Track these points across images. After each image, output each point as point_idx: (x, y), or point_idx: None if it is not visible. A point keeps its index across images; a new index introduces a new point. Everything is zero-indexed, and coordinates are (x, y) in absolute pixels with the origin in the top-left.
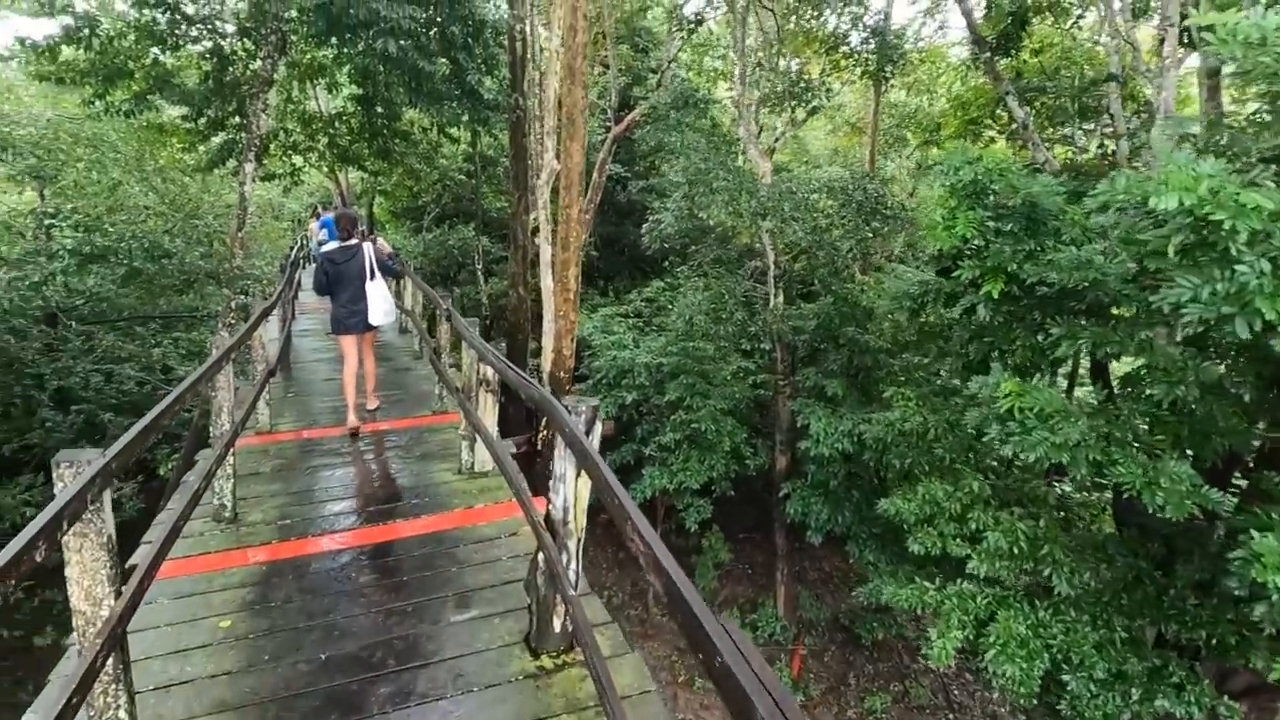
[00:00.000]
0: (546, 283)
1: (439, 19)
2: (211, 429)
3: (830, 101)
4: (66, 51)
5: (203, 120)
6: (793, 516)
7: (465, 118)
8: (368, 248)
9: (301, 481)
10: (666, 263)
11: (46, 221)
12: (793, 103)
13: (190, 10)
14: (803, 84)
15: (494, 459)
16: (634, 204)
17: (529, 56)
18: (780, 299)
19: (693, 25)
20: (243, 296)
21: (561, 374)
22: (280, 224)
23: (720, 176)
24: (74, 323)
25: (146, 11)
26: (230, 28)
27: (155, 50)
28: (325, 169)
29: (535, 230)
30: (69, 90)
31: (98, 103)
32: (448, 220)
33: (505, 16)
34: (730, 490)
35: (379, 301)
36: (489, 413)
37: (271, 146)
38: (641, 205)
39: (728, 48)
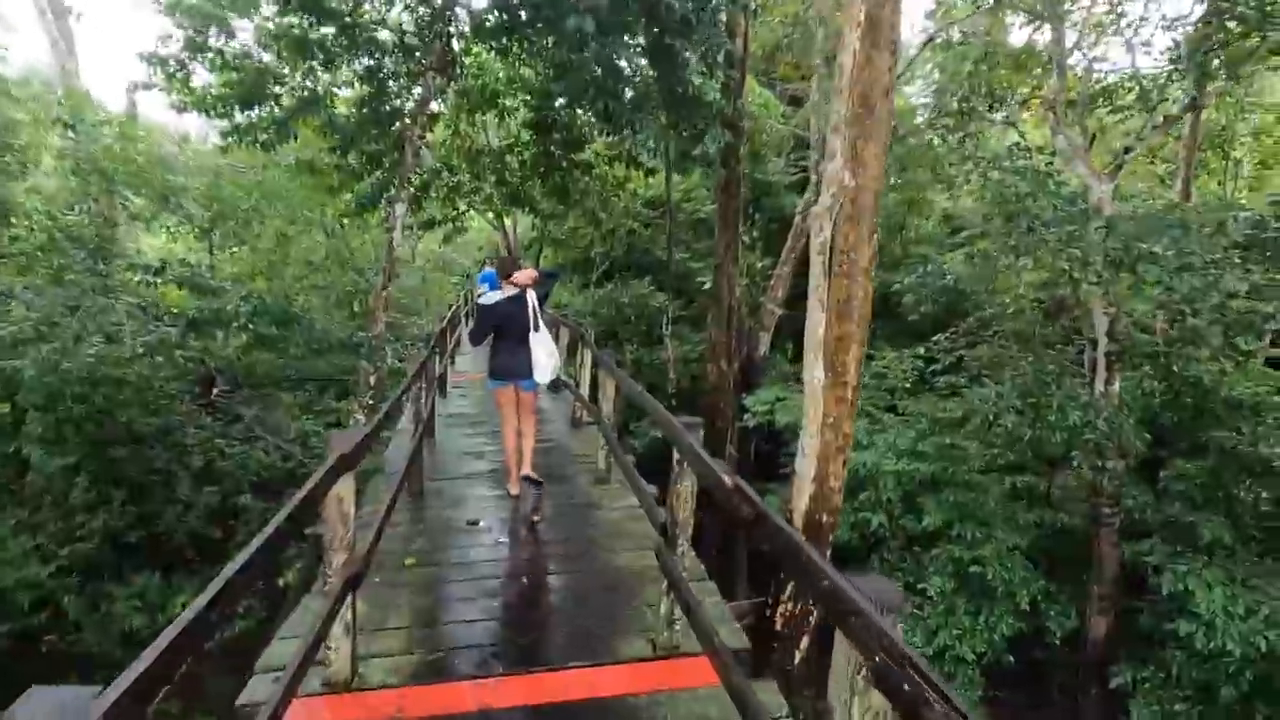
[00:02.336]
0: (813, 373)
1: None
2: None
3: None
4: (203, 73)
5: (353, 155)
6: None
7: (672, 138)
8: (531, 296)
9: None
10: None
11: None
12: (1163, 92)
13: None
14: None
15: None
16: None
17: (748, 49)
18: (1116, 387)
19: None
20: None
21: (824, 516)
22: (450, 278)
23: (1048, 207)
24: (233, 388)
25: (296, 20)
26: (389, 37)
27: (305, 66)
28: (491, 214)
29: (763, 283)
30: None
31: (231, 133)
32: (617, 274)
33: None
34: (1010, 658)
35: (543, 356)
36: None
37: (433, 188)
38: None
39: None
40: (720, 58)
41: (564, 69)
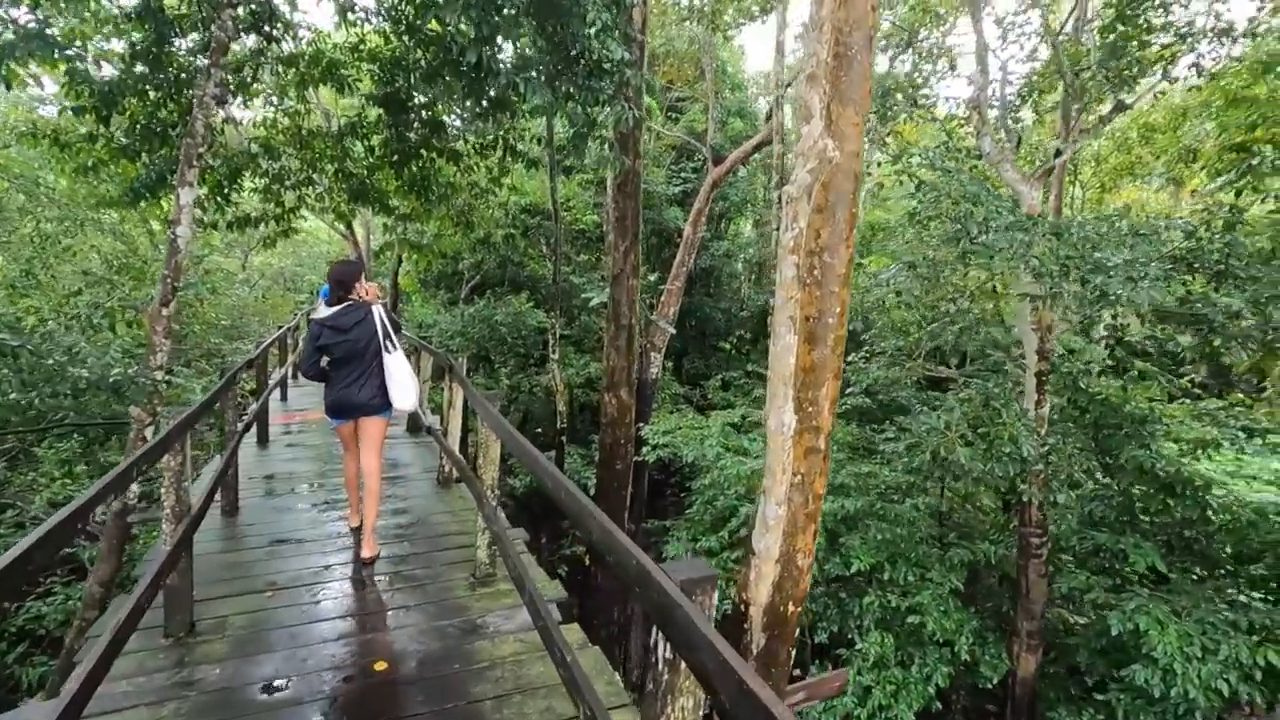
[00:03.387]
0: (781, 419)
1: None
2: None
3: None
4: None
5: (124, 125)
6: None
7: (562, 109)
8: (379, 311)
9: None
10: (745, 344)
11: None
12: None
13: None
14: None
15: None
16: (709, 270)
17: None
18: (1046, 410)
19: None
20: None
21: (790, 606)
22: (297, 296)
23: (994, 213)
24: None
25: None
26: None
27: None
28: (333, 215)
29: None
30: None
31: None
32: (490, 289)
33: None
34: (937, 703)
35: (398, 379)
36: None
37: (246, 175)
38: (718, 271)
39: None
40: (617, 14)
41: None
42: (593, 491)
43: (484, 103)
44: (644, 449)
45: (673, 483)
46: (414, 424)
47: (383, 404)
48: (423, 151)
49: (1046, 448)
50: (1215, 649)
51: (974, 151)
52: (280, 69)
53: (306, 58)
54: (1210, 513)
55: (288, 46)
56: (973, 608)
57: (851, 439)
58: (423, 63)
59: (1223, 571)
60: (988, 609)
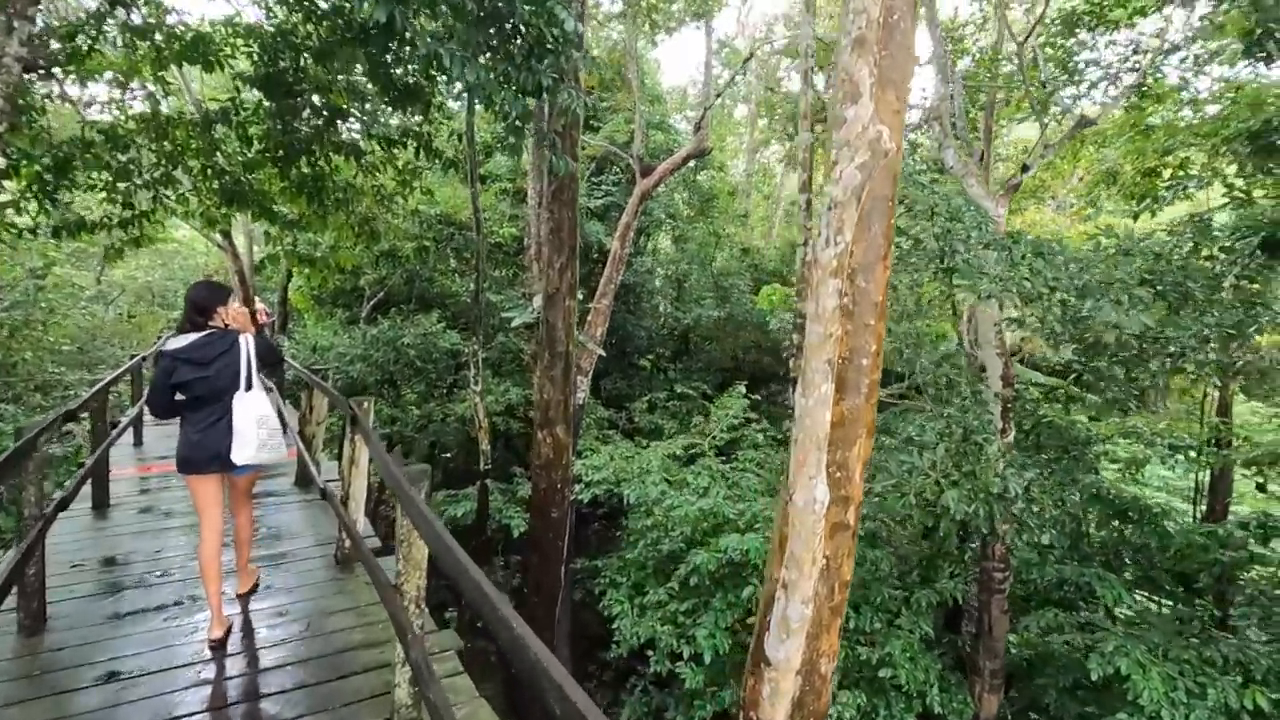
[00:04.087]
0: (812, 493)
1: None
2: None
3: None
4: None
5: None
6: None
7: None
8: (246, 341)
9: None
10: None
11: None
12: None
13: None
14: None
15: None
16: (631, 286)
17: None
18: (1010, 438)
19: None
20: None
21: None
22: (170, 313)
23: (977, 228)
24: None
25: None
26: None
27: None
28: (199, 220)
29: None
30: None
31: None
32: (394, 308)
33: None
34: None
35: (257, 423)
36: None
37: (79, 167)
38: (640, 288)
39: None
40: None
41: None
42: (522, 540)
43: (394, 90)
44: (577, 486)
45: (599, 514)
46: (304, 476)
47: (233, 459)
48: (315, 147)
49: (1026, 482)
50: (1201, 693)
51: (935, 164)
52: (130, 40)
53: (163, 29)
54: (1164, 539)
55: (138, 16)
56: (935, 649)
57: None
58: (314, 38)
59: (1176, 599)
60: (944, 644)
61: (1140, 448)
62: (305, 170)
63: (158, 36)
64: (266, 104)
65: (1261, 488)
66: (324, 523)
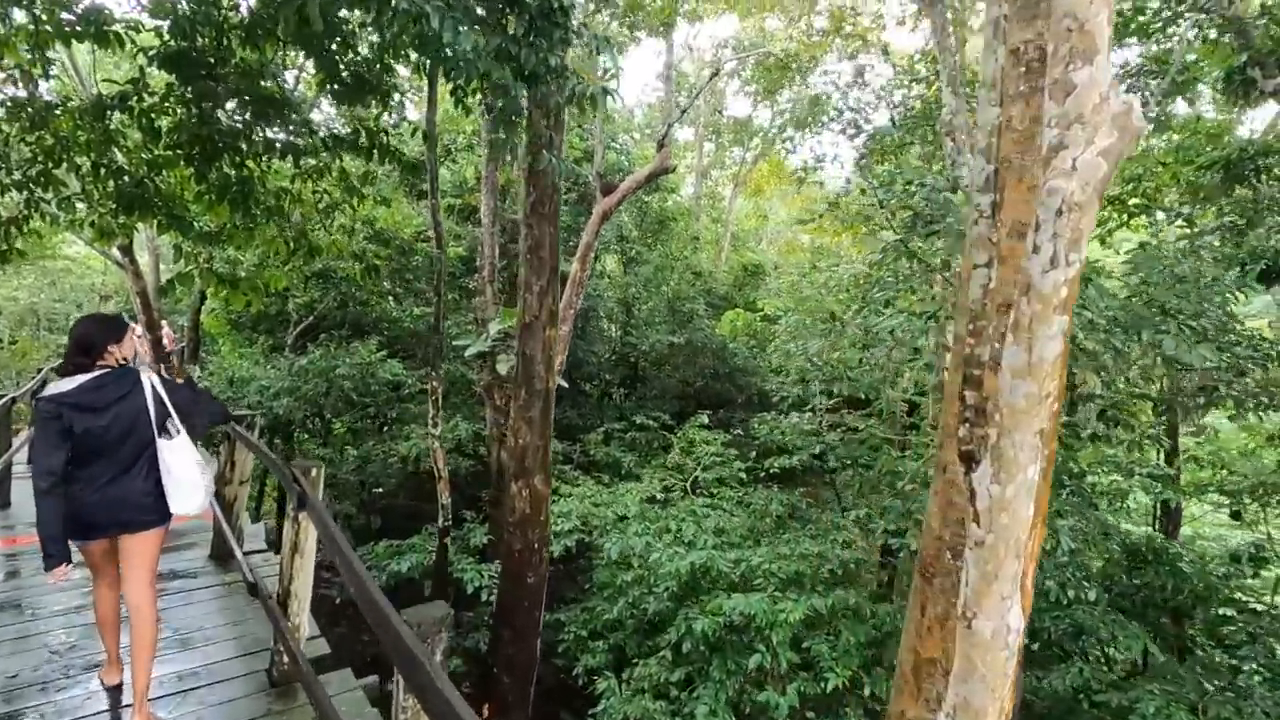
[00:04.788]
0: (999, 618)
1: None
2: None
3: None
4: None
5: None
6: None
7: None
8: (151, 382)
9: None
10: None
11: None
12: None
13: None
14: None
15: None
16: (583, 311)
17: None
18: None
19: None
20: None
21: None
22: (59, 340)
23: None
24: None
25: None
26: None
27: None
28: (90, 231)
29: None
30: None
31: None
32: (323, 334)
33: None
34: None
35: (179, 477)
36: None
37: None
38: (591, 311)
39: None
40: None
41: None
42: (492, 606)
43: (341, 80)
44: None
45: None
46: (222, 549)
47: (158, 512)
48: (242, 144)
49: (1071, 533)
50: None
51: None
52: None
53: None
54: (1180, 578)
55: None
56: None
57: (783, 507)
58: (242, 8)
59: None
60: None
61: (1117, 478)
62: (228, 171)
63: (36, 7)
64: (178, 89)
65: (1236, 515)
66: (250, 619)
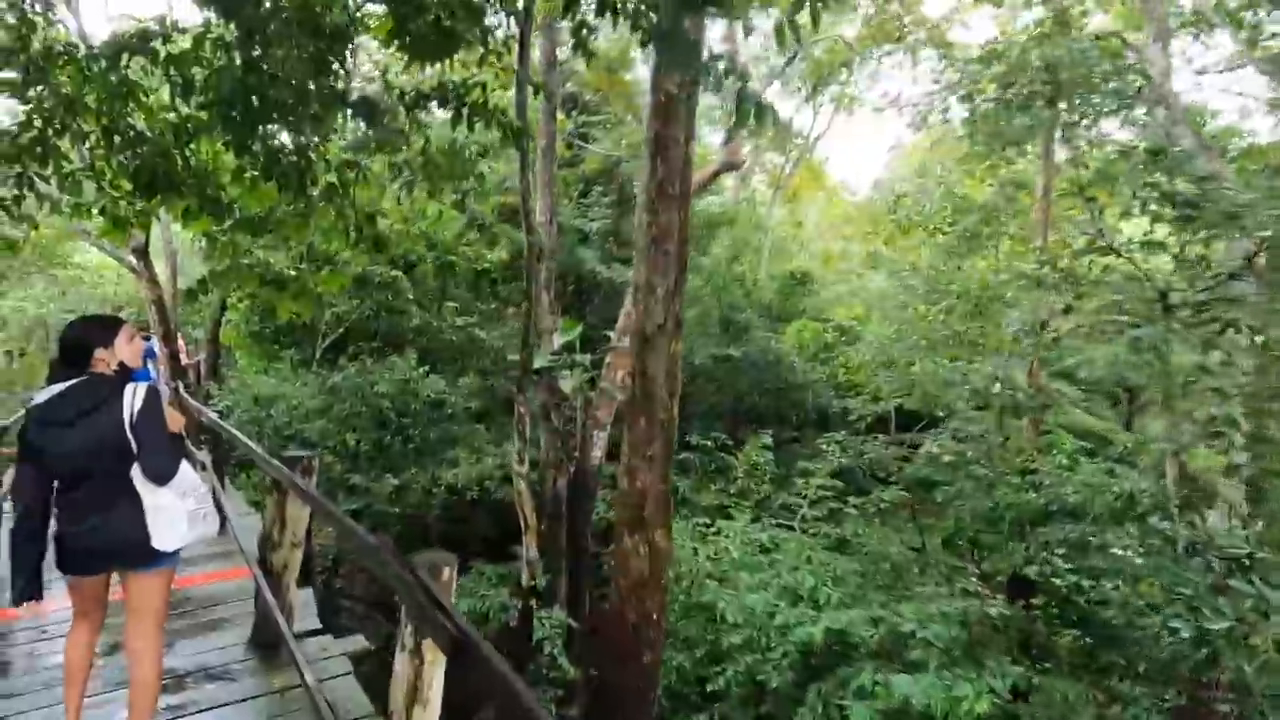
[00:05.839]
0: None
1: None
2: None
3: None
4: None
5: None
6: None
7: None
8: (134, 393)
9: None
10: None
11: None
12: None
13: None
14: None
15: None
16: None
17: None
18: None
19: None
20: None
21: None
22: None
23: None
24: None
25: None
26: None
27: None
28: (101, 221)
29: None
30: None
31: None
32: (353, 347)
33: None
34: None
35: (161, 505)
36: None
37: None
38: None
39: None
40: None
41: None
42: (578, 708)
43: (415, 31)
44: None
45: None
46: (266, 634)
47: (156, 546)
48: (298, 104)
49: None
50: None
51: None
52: None
53: None
54: None
55: None
56: None
57: (900, 550)
58: None
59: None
60: None
61: None
62: (271, 144)
63: None
64: (218, 23)
65: None
66: None
